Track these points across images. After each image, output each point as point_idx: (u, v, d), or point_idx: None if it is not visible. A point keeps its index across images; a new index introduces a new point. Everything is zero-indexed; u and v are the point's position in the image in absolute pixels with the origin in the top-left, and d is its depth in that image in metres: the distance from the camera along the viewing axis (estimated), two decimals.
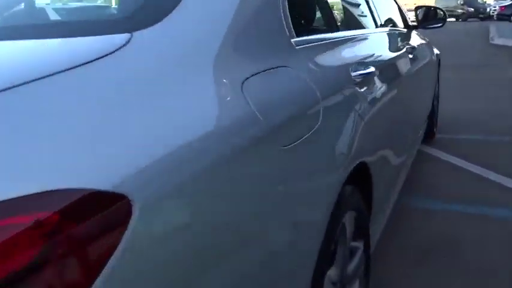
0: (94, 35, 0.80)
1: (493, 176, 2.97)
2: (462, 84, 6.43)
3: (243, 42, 0.94)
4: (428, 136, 3.75)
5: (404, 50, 2.36)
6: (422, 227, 2.35)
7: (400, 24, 2.87)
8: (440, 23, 2.90)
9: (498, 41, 12.58)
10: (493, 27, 16.44)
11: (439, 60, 3.91)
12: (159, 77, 0.74)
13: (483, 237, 2.22)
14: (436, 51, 3.72)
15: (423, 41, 3.17)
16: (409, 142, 2.56)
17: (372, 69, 1.52)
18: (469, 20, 34.65)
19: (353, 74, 1.40)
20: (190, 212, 0.68)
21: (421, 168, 3.20)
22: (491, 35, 13.92)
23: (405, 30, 2.86)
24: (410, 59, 2.42)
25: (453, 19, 36.91)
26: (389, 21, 2.78)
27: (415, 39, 2.93)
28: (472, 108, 4.94)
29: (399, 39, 2.54)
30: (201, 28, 0.88)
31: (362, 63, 1.56)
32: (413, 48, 2.69)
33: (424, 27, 2.94)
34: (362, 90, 1.44)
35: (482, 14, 34.10)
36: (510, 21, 23.98)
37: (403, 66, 2.27)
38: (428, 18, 2.92)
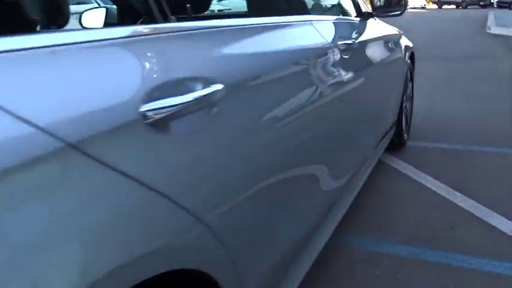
0: None
1: (470, 205, 2.39)
2: (449, 79, 5.83)
3: None
4: (397, 145, 3.17)
5: (345, 44, 1.77)
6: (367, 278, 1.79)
7: (351, 12, 2.28)
8: (398, 11, 2.31)
9: (495, 30, 11.92)
10: (491, 15, 15.76)
11: (412, 54, 3.30)
12: None
13: None
14: (407, 43, 3.11)
15: (386, 33, 2.57)
16: (349, 167, 1.98)
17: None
18: (469, 7, 33.88)
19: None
20: None
21: (377, 188, 2.62)
22: (488, 23, 13.25)
23: (357, 19, 2.26)
24: (352, 56, 1.83)
25: (453, 6, 36.11)
26: (334, 8, 2.19)
27: (372, 31, 2.33)
28: (454, 109, 4.35)
29: (341, 30, 1.95)
30: None
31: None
32: (363, 42, 2.10)
33: (379, 16, 2.34)
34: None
35: (482, 1, 33.44)
36: (510, 8, 23.27)
37: (340, 65, 1.69)
38: (385, 4, 2.32)
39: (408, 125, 3.42)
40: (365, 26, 2.25)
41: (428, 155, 3.18)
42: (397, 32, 2.89)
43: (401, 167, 2.96)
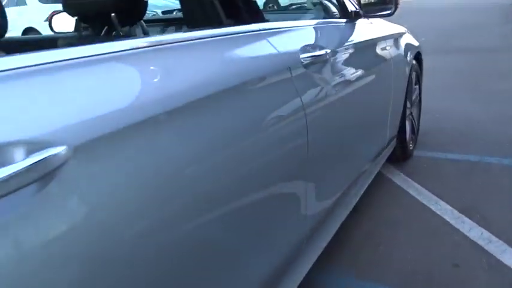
0: None
1: (479, 235, 2.04)
2: (467, 75, 5.38)
3: None
4: (401, 158, 2.82)
5: (326, 50, 1.46)
6: None
7: (335, 13, 1.95)
8: (387, 10, 1.96)
9: None
10: None
11: (418, 54, 2.94)
12: None
13: None
14: (411, 42, 2.75)
15: (381, 34, 2.23)
16: (336, 187, 1.68)
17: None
18: None
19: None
20: None
21: (371, 211, 2.29)
22: None
23: (341, 21, 1.92)
24: (336, 64, 1.52)
25: None
26: (313, 10, 1.87)
27: (360, 33, 1.99)
28: (471, 111, 3.94)
29: (322, 34, 1.63)
30: None
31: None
32: (349, 46, 1.78)
33: (366, 16, 2.00)
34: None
35: None
36: None
37: (324, 75, 1.39)
38: (373, 2, 1.98)
39: (415, 134, 3.06)
40: (352, 29, 1.92)
41: (437, 168, 2.81)
42: (397, 31, 2.54)
43: (404, 183, 2.61)
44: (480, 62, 6.20)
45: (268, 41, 1.22)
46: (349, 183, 1.90)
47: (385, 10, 1.97)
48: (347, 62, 1.71)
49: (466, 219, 2.17)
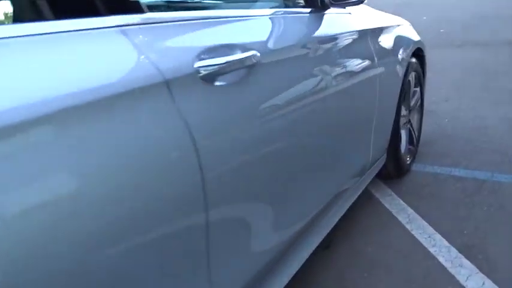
0: None
1: (484, 286, 1.62)
2: (484, 71, 4.85)
3: None
4: (393, 174, 2.39)
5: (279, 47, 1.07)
6: None
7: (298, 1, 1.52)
8: None
9: None
10: None
11: (419, 51, 2.48)
12: None
13: None
14: (408, 36, 2.30)
15: (362, 27, 1.78)
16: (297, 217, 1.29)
17: None
18: None
19: None
20: None
21: (346, 246, 1.87)
22: None
23: (305, 10, 1.49)
24: (294, 66, 1.12)
25: None
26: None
27: (332, 26, 1.57)
28: (484, 116, 3.45)
29: (257, 28, 1.22)
30: None
31: None
32: (314, 44, 1.36)
33: (334, 5, 1.55)
34: None
35: None
36: None
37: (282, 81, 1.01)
38: None
39: (414, 145, 2.61)
40: (316, 21, 1.49)
41: (437, 187, 2.36)
42: (388, 24, 2.08)
43: (394, 207, 2.18)
44: (497, 56, 5.65)
45: (130, 41, 0.81)
46: (314, 212, 1.50)
47: None
48: (298, 65, 1.29)
49: (466, 261, 1.73)
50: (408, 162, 2.48)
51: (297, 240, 1.42)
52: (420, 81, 2.56)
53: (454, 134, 3.09)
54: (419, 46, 2.43)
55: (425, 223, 2.02)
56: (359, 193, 1.96)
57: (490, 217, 2.03)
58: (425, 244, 1.86)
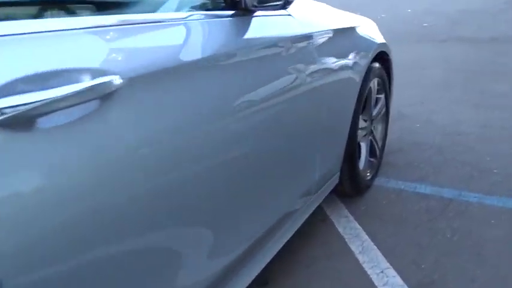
0: None
1: None
2: (468, 70, 4.62)
3: None
4: (351, 192, 2.15)
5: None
6: None
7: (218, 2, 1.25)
8: (277, 1, 1.26)
9: None
10: None
11: (384, 54, 2.23)
12: None
13: None
14: (368, 39, 2.04)
15: (301, 32, 1.51)
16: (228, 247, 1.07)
17: None
18: None
19: None
20: None
21: (282, 281, 1.63)
22: None
23: (227, 13, 1.22)
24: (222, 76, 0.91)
25: None
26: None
27: (260, 31, 1.30)
28: (462, 122, 3.22)
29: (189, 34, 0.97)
30: None
31: None
32: (237, 53, 1.10)
33: (256, 8, 1.28)
34: None
35: None
36: None
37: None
38: None
39: (377, 158, 2.37)
40: (244, 26, 1.22)
41: (399, 207, 2.13)
42: (344, 25, 1.82)
43: (348, 232, 1.94)
44: (480, 53, 5.42)
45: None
46: (249, 241, 1.26)
47: (274, 1, 1.26)
48: (208, 82, 1.03)
49: None
50: (368, 178, 2.24)
51: (228, 274, 1.19)
52: (385, 88, 2.31)
53: (424, 142, 2.86)
54: (383, 49, 2.18)
55: (380, 254, 1.78)
56: (305, 218, 1.72)
57: (453, 247, 1.80)
58: (376, 282, 1.63)
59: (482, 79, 4.28)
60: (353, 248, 1.84)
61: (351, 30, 1.86)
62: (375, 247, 1.83)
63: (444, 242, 1.84)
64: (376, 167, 2.35)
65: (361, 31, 1.98)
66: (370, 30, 2.10)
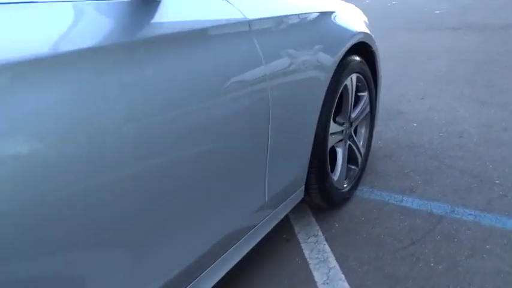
0: None
1: None
2: (472, 61, 4.24)
3: None
4: (323, 205, 1.85)
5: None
6: None
7: None
8: None
9: None
10: None
11: (368, 47, 1.91)
12: None
13: None
14: (348, 26, 1.73)
15: (245, 17, 1.21)
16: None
17: None
18: None
19: None
20: None
21: None
22: None
23: None
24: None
25: None
26: None
27: (176, 16, 1.00)
28: (461, 119, 2.88)
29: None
30: None
31: None
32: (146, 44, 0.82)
33: None
34: None
35: None
36: None
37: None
38: None
39: (359, 165, 2.06)
40: (149, 10, 0.93)
41: (378, 225, 1.83)
42: (306, 10, 1.50)
43: (314, 258, 1.65)
44: (491, 43, 5.02)
45: None
46: (172, 272, 0.99)
47: None
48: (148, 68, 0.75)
49: None
50: (346, 189, 1.93)
51: None
52: (369, 85, 1.99)
53: (419, 145, 2.53)
54: (363, 40, 1.86)
55: (347, 286, 1.49)
56: (259, 237, 1.43)
57: (436, 280, 1.50)
58: None
59: (491, 71, 3.91)
60: (317, 277, 1.55)
61: (318, 17, 1.54)
62: (343, 277, 1.53)
63: (426, 272, 1.53)
64: (357, 176, 2.04)
65: (335, 18, 1.66)
66: (348, 18, 1.78)
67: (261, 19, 1.23)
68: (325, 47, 1.53)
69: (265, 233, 1.47)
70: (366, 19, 2.08)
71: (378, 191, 2.07)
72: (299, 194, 1.61)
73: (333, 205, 1.88)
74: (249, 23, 1.19)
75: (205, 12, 1.09)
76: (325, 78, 1.54)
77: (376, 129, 2.75)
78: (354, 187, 2.02)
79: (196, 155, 1.02)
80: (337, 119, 1.83)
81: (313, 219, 1.89)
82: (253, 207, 1.32)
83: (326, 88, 1.56)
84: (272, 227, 1.50)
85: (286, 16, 1.34)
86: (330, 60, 1.55)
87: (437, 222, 1.80)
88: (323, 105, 1.57)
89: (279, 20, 1.31)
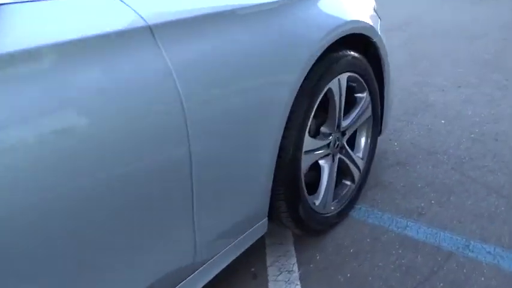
0: None
1: None
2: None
3: None
4: (300, 233, 1.54)
5: None
6: None
7: None
8: None
9: None
10: None
11: (369, 38, 1.54)
12: None
13: None
14: (335, 16, 1.36)
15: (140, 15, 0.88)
16: None
17: None
18: None
19: None
20: None
21: None
22: None
23: None
24: None
25: None
26: None
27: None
28: (504, 117, 2.42)
29: None
30: None
31: None
32: None
33: None
34: None
35: None
36: None
37: None
38: None
39: (355, 181, 1.70)
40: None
41: (368, 262, 1.48)
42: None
43: None
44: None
45: None
46: None
47: None
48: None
49: None
50: (335, 213, 1.60)
51: None
52: (369, 84, 1.61)
53: (442, 150, 2.12)
54: (358, 31, 1.48)
55: None
56: (211, 275, 1.15)
57: None
58: None
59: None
60: None
61: (272, 8, 1.17)
62: None
63: None
64: (351, 195, 1.69)
65: (305, 6, 1.28)
66: (331, 3, 1.40)
67: (168, 23, 0.90)
68: (290, 43, 1.17)
69: (219, 268, 1.18)
70: (372, 3, 1.68)
71: (379, 211, 1.72)
72: (259, 228, 1.30)
73: (314, 233, 1.55)
74: (151, 28, 0.87)
75: (93, 17, 0.78)
76: (291, 83, 1.19)
77: (396, 127, 2.35)
78: (348, 208, 1.68)
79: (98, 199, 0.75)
80: (322, 129, 1.49)
81: (292, 248, 1.58)
82: (179, 259, 1.03)
83: (294, 96, 1.22)
84: (228, 262, 1.21)
85: (209, 15, 1.00)
86: (299, 60, 1.20)
87: (444, 262, 1.44)
88: (291, 118, 1.24)
89: (195, 20, 0.97)
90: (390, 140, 2.25)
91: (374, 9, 1.69)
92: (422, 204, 1.74)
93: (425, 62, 3.43)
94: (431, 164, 2.01)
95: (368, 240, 1.57)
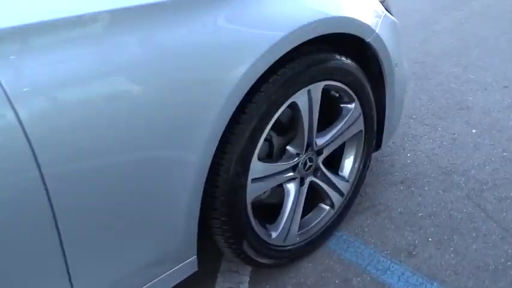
0: None
1: None
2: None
3: None
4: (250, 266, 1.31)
5: None
6: None
7: None
8: None
9: None
10: None
11: (361, 38, 1.23)
12: None
13: None
14: (325, 5, 1.08)
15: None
16: None
17: None
18: None
19: None
20: None
21: None
22: None
23: None
24: None
25: None
26: None
27: None
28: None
29: None
30: None
31: None
32: None
33: None
34: None
35: None
36: None
37: None
38: None
39: (338, 208, 1.43)
40: None
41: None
42: None
43: None
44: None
45: None
46: None
47: None
48: None
49: None
50: (301, 244, 1.35)
51: None
52: (359, 92, 1.31)
53: (461, 170, 1.78)
54: (342, 31, 1.17)
55: None
56: None
57: None
58: None
59: None
60: None
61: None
62: None
63: None
64: (330, 221, 1.42)
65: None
66: None
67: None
68: (214, 50, 0.91)
69: None
70: None
71: (361, 244, 1.45)
72: (182, 269, 1.08)
73: (270, 267, 1.32)
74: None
75: None
76: (220, 99, 0.93)
77: (416, 132, 2.04)
78: (324, 236, 1.42)
79: None
80: (288, 148, 1.22)
81: (247, 279, 1.35)
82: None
83: (232, 109, 0.96)
84: None
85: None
86: (233, 71, 0.94)
87: None
88: (230, 141, 0.99)
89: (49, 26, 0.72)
90: (403, 149, 1.92)
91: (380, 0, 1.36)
92: (416, 241, 1.44)
93: (476, 51, 2.97)
94: (443, 188, 1.68)
95: (336, 281, 1.32)
